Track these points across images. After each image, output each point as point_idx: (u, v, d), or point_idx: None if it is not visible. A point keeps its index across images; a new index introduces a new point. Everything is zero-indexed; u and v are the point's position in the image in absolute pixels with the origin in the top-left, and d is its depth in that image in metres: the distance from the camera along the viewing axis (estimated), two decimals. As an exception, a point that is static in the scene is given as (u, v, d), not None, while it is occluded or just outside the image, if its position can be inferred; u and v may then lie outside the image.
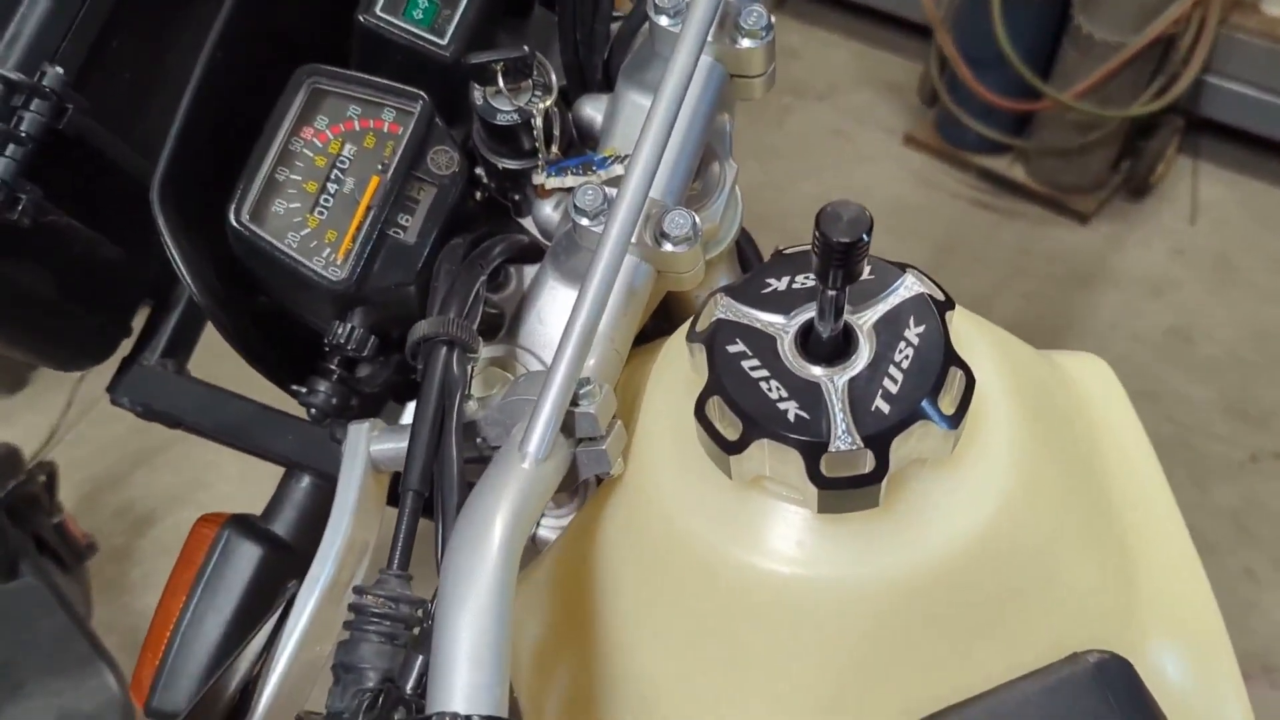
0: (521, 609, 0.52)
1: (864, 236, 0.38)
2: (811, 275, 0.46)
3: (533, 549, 0.59)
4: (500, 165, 0.62)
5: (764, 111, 2.86)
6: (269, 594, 0.63)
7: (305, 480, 0.66)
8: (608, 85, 0.66)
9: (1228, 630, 0.54)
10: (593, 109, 0.65)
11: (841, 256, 0.38)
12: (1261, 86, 2.48)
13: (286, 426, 0.65)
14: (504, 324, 0.62)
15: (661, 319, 0.65)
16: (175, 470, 2.12)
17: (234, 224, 0.56)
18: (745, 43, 0.57)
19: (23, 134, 0.57)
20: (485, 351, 0.60)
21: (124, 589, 2.03)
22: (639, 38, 0.65)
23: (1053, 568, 0.50)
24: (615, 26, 0.68)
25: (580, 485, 0.69)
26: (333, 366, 0.62)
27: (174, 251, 0.54)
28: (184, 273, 0.54)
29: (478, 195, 0.66)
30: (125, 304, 0.69)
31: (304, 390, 0.62)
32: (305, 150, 0.58)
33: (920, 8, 2.54)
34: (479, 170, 0.65)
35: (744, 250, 0.73)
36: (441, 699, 0.40)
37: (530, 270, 0.64)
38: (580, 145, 0.65)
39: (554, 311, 0.61)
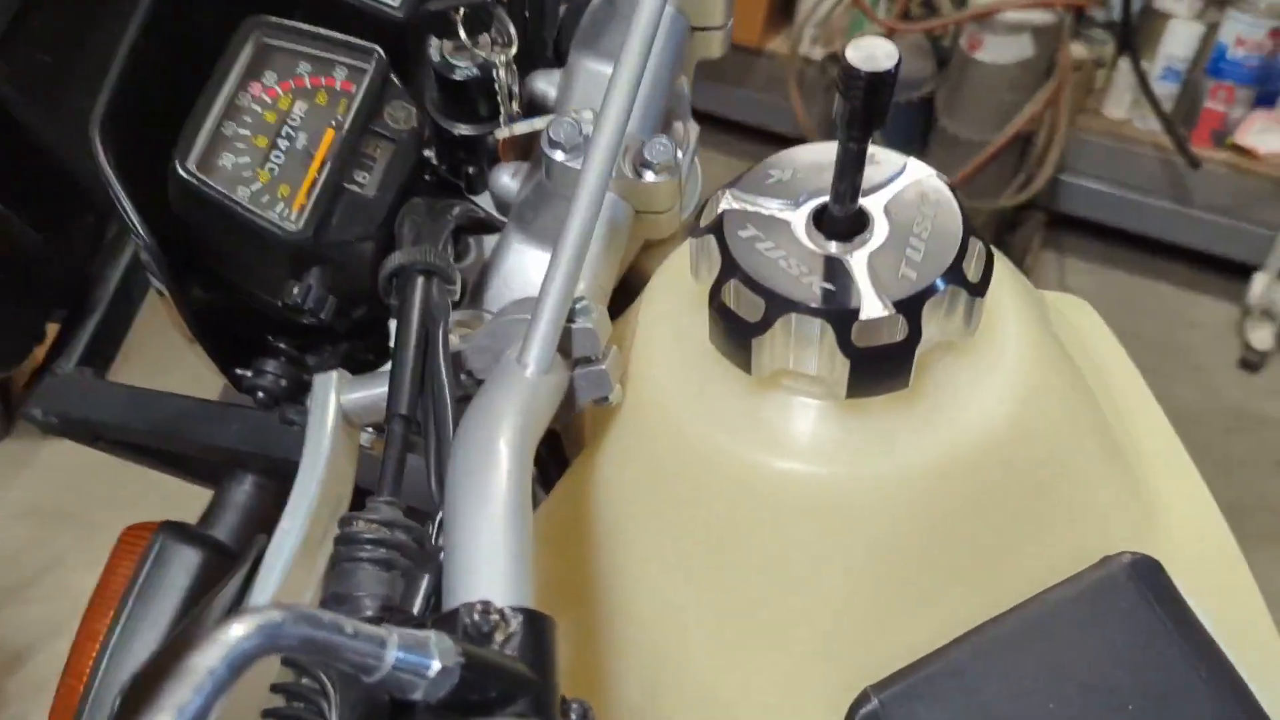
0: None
1: (892, 70, 0.37)
2: (814, 166, 0.45)
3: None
4: (456, 132, 0.60)
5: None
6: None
7: (248, 481, 0.60)
8: (558, 61, 0.65)
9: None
10: (545, 83, 0.64)
11: (867, 89, 0.37)
12: (1110, 181, 2.65)
13: (230, 416, 0.59)
14: (466, 293, 0.59)
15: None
16: (49, 601, 1.96)
17: (180, 172, 0.52)
18: (709, -12, 0.57)
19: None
20: (452, 316, 0.56)
21: (-7, 734, 1.84)
22: (588, 13, 0.64)
23: (1075, 468, 0.48)
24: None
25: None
26: (281, 346, 0.57)
27: (117, 191, 0.49)
28: (129, 214, 0.49)
29: (427, 177, 0.63)
30: (40, 303, 0.63)
31: (250, 373, 0.57)
32: (254, 106, 0.55)
33: (791, 120, 2.66)
34: (428, 152, 0.63)
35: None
36: (463, 594, 0.35)
37: (490, 240, 0.61)
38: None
39: (521, 274, 0.58)
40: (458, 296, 0.52)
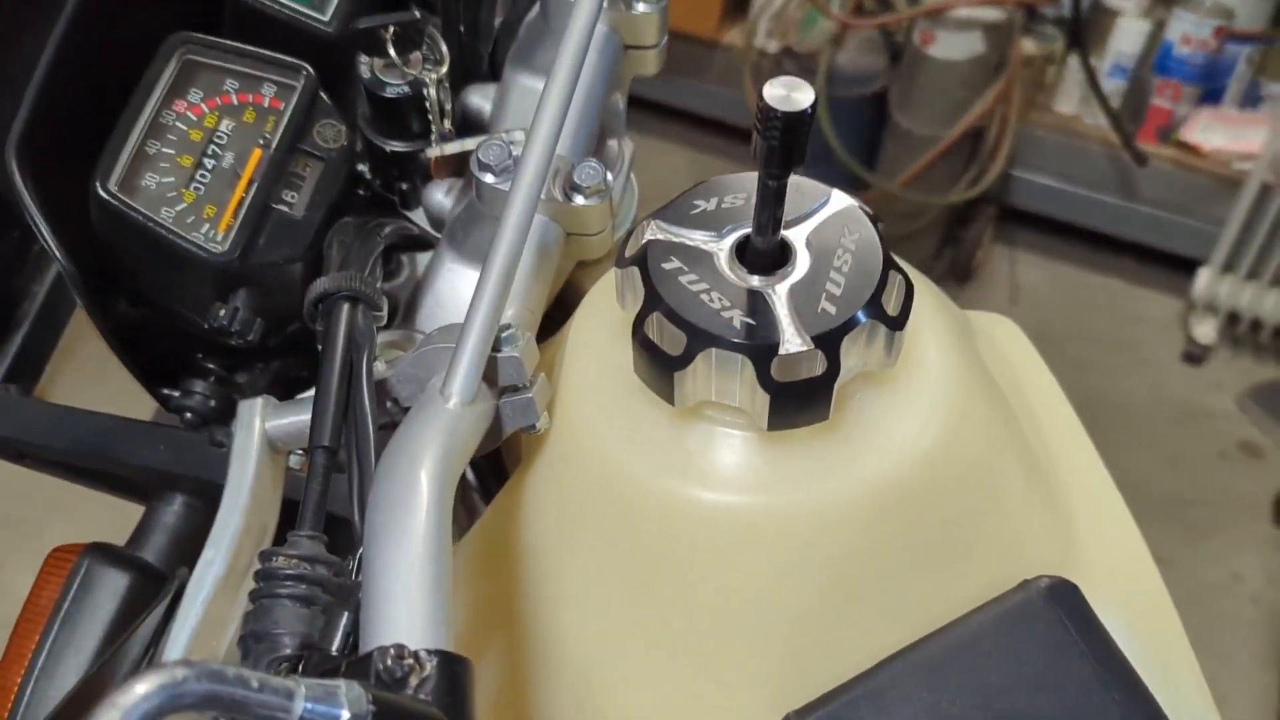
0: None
1: (808, 109, 0.37)
2: (740, 195, 0.46)
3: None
4: (388, 149, 0.60)
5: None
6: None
7: (177, 502, 0.60)
8: (493, 76, 0.65)
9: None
10: (480, 98, 0.64)
11: (784, 128, 0.37)
12: (1060, 176, 2.67)
13: (156, 436, 0.58)
14: (398, 312, 0.58)
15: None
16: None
17: (101, 193, 0.51)
18: (640, 8, 0.57)
19: None
20: (381, 337, 0.56)
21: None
22: (524, 27, 0.64)
23: (997, 493, 0.49)
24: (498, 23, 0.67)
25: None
26: (210, 365, 0.57)
27: (36, 215, 0.48)
28: (46, 237, 0.49)
29: (361, 191, 0.63)
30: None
31: (177, 393, 0.56)
32: (178, 124, 0.54)
33: (748, 113, 2.65)
34: (362, 167, 0.62)
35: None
36: (378, 636, 0.35)
37: (423, 258, 0.61)
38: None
39: (453, 294, 0.57)
40: (384, 322, 0.51)
